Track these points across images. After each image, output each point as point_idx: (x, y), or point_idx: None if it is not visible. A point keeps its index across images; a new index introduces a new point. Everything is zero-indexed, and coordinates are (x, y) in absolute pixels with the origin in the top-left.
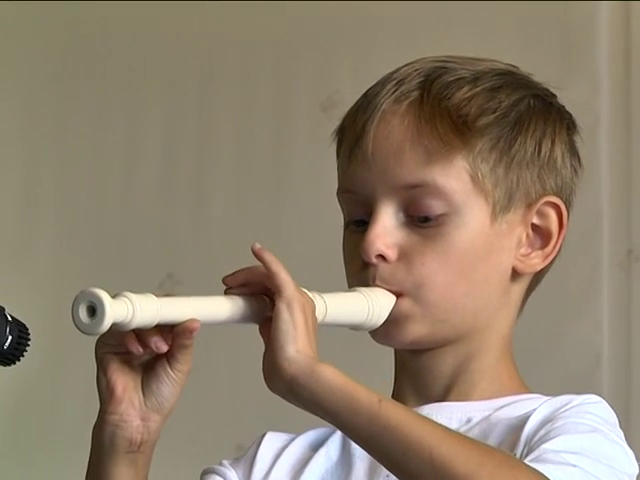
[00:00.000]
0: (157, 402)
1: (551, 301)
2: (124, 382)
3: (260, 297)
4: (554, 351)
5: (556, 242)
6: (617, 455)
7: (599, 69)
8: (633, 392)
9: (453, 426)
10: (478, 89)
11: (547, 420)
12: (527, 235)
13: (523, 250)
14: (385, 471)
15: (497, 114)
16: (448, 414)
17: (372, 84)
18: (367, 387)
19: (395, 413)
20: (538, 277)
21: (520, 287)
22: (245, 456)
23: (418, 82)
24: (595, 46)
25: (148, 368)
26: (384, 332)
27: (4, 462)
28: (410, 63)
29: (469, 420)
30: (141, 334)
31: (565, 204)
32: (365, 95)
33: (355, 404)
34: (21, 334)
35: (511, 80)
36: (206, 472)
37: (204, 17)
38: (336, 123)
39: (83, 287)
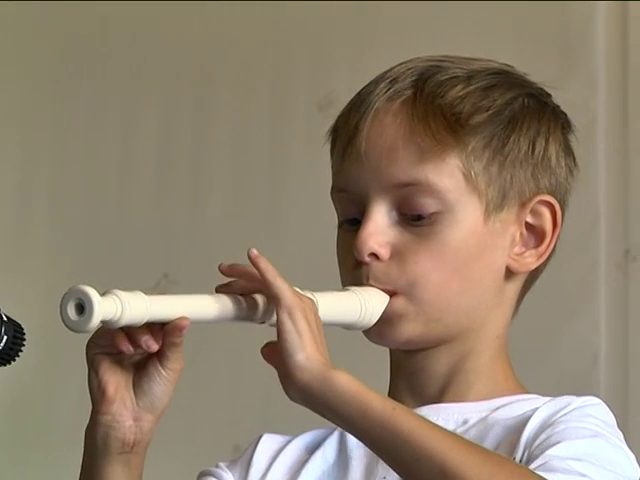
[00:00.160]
0: (149, 402)
1: (548, 301)
2: (116, 382)
3: (248, 296)
4: (551, 351)
5: (550, 241)
6: (620, 459)
7: (596, 69)
8: (630, 392)
9: (449, 427)
10: (472, 87)
11: (547, 423)
12: (521, 234)
13: (517, 249)
14: (382, 473)
15: (490, 112)
16: (445, 416)
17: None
18: (380, 394)
19: (408, 421)
20: (533, 276)
21: (514, 286)
22: (241, 458)
23: (411, 81)
24: (592, 46)
25: (140, 368)
26: (378, 331)
27: None
28: (404, 62)
29: (466, 421)
30: (131, 333)
31: (560, 203)
32: (359, 94)
33: (369, 412)
34: (16, 334)
35: (505, 79)
36: (202, 474)
37: (200, 17)
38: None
39: (76, 284)
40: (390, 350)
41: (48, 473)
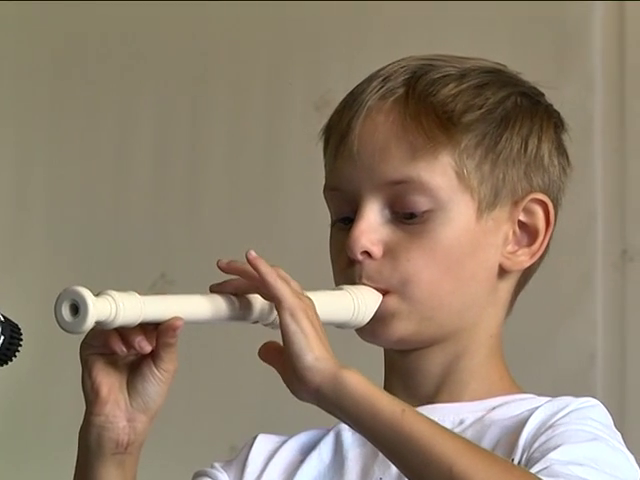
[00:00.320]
0: (143, 402)
1: (545, 301)
2: (109, 383)
3: (243, 296)
4: (548, 351)
5: (543, 239)
6: (620, 463)
7: (593, 69)
8: (627, 392)
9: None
10: (464, 86)
11: (545, 424)
12: (514, 232)
13: (510, 247)
14: (378, 473)
15: (483, 111)
16: (440, 416)
17: None
18: (391, 396)
19: (417, 424)
20: (526, 275)
21: (508, 285)
22: (237, 459)
23: (404, 79)
24: (589, 46)
25: (134, 368)
26: (371, 330)
27: None
28: (397, 61)
29: (462, 422)
30: (125, 334)
31: (553, 202)
32: (351, 93)
33: (378, 413)
34: (13, 334)
35: (498, 78)
36: (198, 475)
37: (197, 17)
38: None
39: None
40: (384, 350)
41: (45, 473)
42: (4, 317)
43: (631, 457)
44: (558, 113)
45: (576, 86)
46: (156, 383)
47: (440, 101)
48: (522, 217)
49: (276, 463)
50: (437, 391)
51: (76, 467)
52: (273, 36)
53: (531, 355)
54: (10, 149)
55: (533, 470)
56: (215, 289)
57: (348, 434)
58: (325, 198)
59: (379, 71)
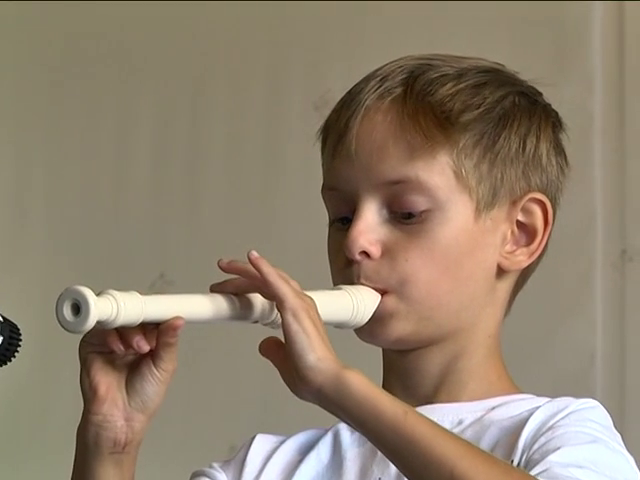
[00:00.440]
0: (141, 402)
1: (545, 301)
2: (107, 382)
3: (244, 295)
4: (548, 351)
5: (541, 239)
6: (619, 465)
7: (593, 69)
8: (627, 392)
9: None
10: (462, 85)
11: (545, 426)
12: (512, 232)
13: (508, 247)
14: (377, 473)
15: (481, 110)
16: (439, 416)
17: None
18: (393, 397)
19: (419, 426)
20: (524, 275)
21: (506, 285)
22: (235, 458)
23: (402, 79)
24: (589, 46)
25: (133, 367)
26: (369, 330)
27: None
28: (394, 60)
29: (461, 422)
30: (123, 333)
31: (551, 201)
32: (349, 92)
33: (380, 415)
34: (12, 334)
35: (496, 77)
36: (196, 475)
37: (196, 17)
38: None
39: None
40: (383, 350)
41: (44, 473)
42: (3, 317)
43: (631, 459)
44: (556, 112)
45: (576, 86)
46: (155, 383)
47: (438, 101)
48: (520, 217)
49: (274, 463)
50: (435, 391)
51: (74, 466)
52: (273, 36)
53: (531, 355)
54: (9, 149)
55: (533, 472)
56: (216, 289)
57: (346, 434)
58: (323, 198)
59: (377, 71)
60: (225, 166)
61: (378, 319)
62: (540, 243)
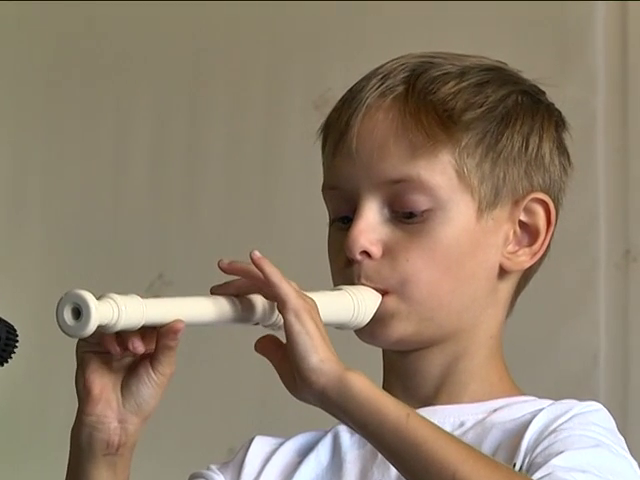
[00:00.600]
0: (136, 404)
1: (548, 301)
2: (102, 382)
3: (244, 297)
4: (551, 352)
5: (544, 240)
6: (622, 469)
7: (595, 68)
8: (630, 393)
9: (446, 430)
10: (464, 84)
11: (548, 429)
12: (514, 232)
13: (510, 247)
14: (377, 476)
15: (484, 109)
16: (441, 418)
17: None
18: (396, 400)
19: (421, 429)
20: (527, 276)
21: (508, 285)
22: (233, 460)
23: (403, 77)
24: (591, 46)
25: (130, 369)
26: (370, 331)
27: None
28: (396, 58)
29: (462, 424)
30: (120, 334)
31: (554, 202)
32: (350, 90)
33: (383, 418)
34: (9, 335)
35: (498, 76)
36: (194, 477)
37: (195, 16)
38: None
39: (73, 288)
40: (383, 350)
41: (42, 474)
42: (0, 318)
43: (634, 463)
44: (559, 112)
45: (578, 86)
46: (151, 386)
47: (440, 99)
48: (523, 217)
49: (273, 465)
50: (436, 392)
51: (68, 467)
52: (272, 35)
53: (533, 355)
54: (7, 149)
55: (535, 476)
56: (217, 291)
57: (346, 436)
58: (323, 197)
59: (378, 69)
60: (224, 165)
61: (379, 320)
62: (543, 243)
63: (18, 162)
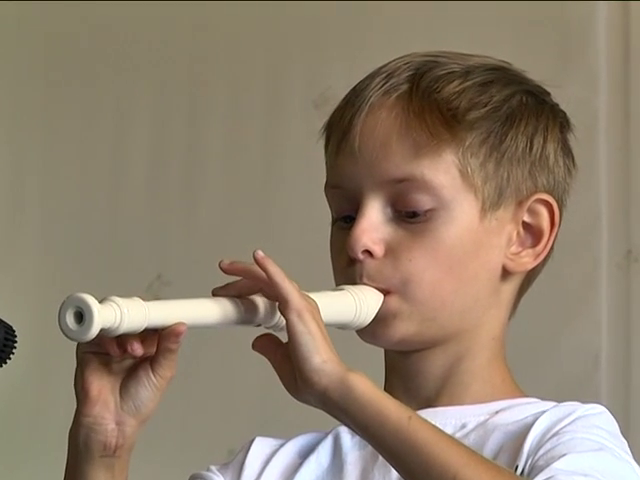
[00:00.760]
0: (134, 406)
1: (549, 302)
2: (100, 384)
3: (245, 298)
4: (552, 352)
5: (547, 241)
6: (625, 473)
7: (597, 68)
8: (632, 394)
9: (447, 432)
10: (469, 83)
11: (550, 431)
12: (518, 233)
13: (513, 248)
14: (378, 478)
15: (488, 108)
16: (442, 419)
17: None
18: (397, 402)
19: (423, 431)
20: (530, 277)
21: (511, 287)
22: (233, 462)
23: (407, 75)
24: (593, 45)
25: (130, 371)
26: (371, 331)
27: None
28: (400, 57)
29: (464, 426)
30: (120, 336)
31: (558, 203)
32: (354, 89)
33: (384, 420)
34: (7, 336)
35: (503, 75)
36: (194, 478)
37: (195, 16)
38: None
39: (71, 289)
40: (385, 351)
41: (40, 474)
42: None
43: (637, 467)
44: (564, 113)
45: (580, 85)
46: (150, 388)
47: (444, 98)
48: (526, 218)
49: (274, 466)
50: (438, 393)
51: (66, 469)
52: (272, 34)
53: (535, 356)
54: (5, 149)
55: (537, 479)
56: (219, 292)
57: (347, 437)
58: (326, 196)
59: (382, 67)
60: (224, 165)
61: (381, 319)
62: (546, 245)
63: (16, 163)
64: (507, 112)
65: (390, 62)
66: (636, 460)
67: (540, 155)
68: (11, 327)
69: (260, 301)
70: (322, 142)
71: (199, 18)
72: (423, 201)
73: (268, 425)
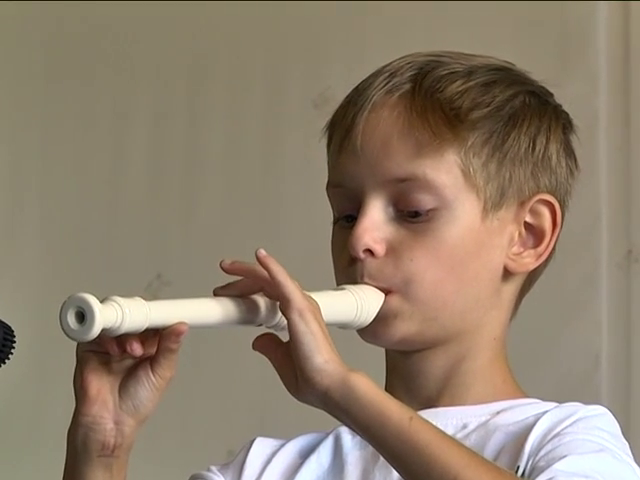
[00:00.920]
0: (133, 406)
1: (550, 302)
2: (100, 383)
3: (247, 298)
4: (553, 352)
5: (549, 241)
6: (626, 475)
7: (597, 68)
8: (632, 393)
9: (449, 432)
10: (472, 83)
11: (552, 432)
12: (519, 233)
13: (515, 249)
14: (379, 478)
15: (491, 108)
16: (443, 420)
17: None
18: (399, 402)
19: (424, 432)
20: (531, 278)
21: (512, 287)
22: (234, 462)
23: (410, 75)
24: (593, 45)
25: (130, 371)
26: (372, 331)
27: None
28: (403, 57)
29: (465, 426)
30: (120, 336)
31: (560, 204)
32: (356, 88)
33: (385, 420)
34: (6, 336)
35: (506, 76)
36: (194, 478)
37: (194, 15)
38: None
39: (71, 288)
40: (386, 351)
41: (38, 475)
42: None
43: (637, 469)
44: (567, 114)
45: (580, 86)
46: (149, 388)
47: (447, 98)
48: (528, 218)
49: (274, 467)
50: (439, 393)
51: (64, 468)
52: (272, 34)
53: (535, 356)
54: (4, 148)
55: None
56: (220, 292)
57: (348, 437)
58: (328, 195)
59: (385, 66)
60: (223, 164)
61: (382, 319)
62: (548, 245)
63: (15, 161)
64: (510, 112)
65: (393, 61)
66: (637, 459)
67: (542, 156)
68: (10, 327)
69: (261, 301)
70: (322, 142)
71: (199, 18)
72: (425, 201)
73: (268, 425)
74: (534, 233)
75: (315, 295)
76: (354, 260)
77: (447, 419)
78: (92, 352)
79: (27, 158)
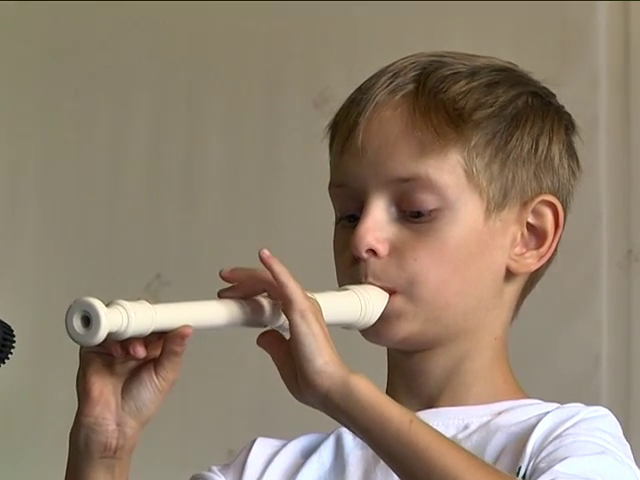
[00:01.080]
0: (135, 407)
1: (550, 301)
2: (102, 384)
3: (251, 299)
4: (553, 352)
5: (551, 242)
6: (626, 477)
7: (597, 68)
8: (633, 393)
9: (450, 433)
10: (475, 83)
11: (553, 433)
12: (522, 234)
13: (517, 249)
14: (380, 478)
15: (494, 109)
16: (444, 420)
17: (364, 79)
18: (399, 405)
19: (424, 435)
20: (533, 279)
21: (514, 288)
22: (235, 462)
23: (414, 75)
24: (593, 45)
25: (134, 373)
26: (375, 330)
27: None
28: (406, 57)
29: (466, 426)
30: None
31: (562, 204)
32: (359, 88)
33: (386, 423)
34: (6, 336)
35: (509, 76)
36: (195, 478)
37: (194, 15)
38: (329, 119)
39: (70, 288)
40: (387, 350)
41: (39, 475)
42: None
43: (638, 471)
44: (569, 115)
45: (581, 85)
46: (152, 390)
47: (450, 98)
48: (531, 219)
49: (275, 467)
50: (440, 393)
51: (67, 468)
52: (271, 33)
53: (535, 356)
54: (3, 148)
55: None
56: (225, 294)
57: (349, 437)
58: (330, 195)
59: (388, 67)
60: (223, 164)
61: (385, 319)
62: (550, 246)
63: (14, 161)
64: (513, 113)
65: (396, 61)
66: (638, 460)
67: (545, 156)
68: (9, 327)
69: (265, 302)
70: (321, 141)
71: (199, 18)
72: (428, 201)
73: (268, 425)
74: (536, 234)
75: (319, 296)
76: (357, 260)
77: (449, 419)
78: (95, 353)
79: (27, 158)
